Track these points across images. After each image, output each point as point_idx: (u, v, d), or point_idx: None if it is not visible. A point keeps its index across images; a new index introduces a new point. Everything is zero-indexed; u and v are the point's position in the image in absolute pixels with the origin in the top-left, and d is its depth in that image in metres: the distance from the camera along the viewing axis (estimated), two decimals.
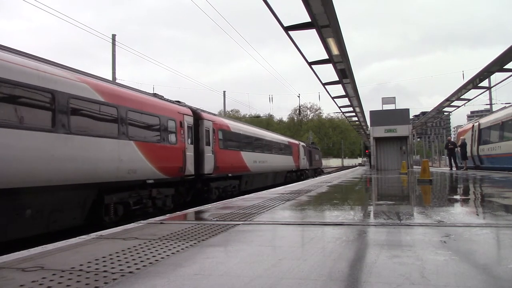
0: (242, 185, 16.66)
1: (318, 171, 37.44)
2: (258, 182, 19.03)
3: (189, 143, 12.16)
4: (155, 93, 11.87)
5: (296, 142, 29.28)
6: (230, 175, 15.09)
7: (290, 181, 22.72)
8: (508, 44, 11.73)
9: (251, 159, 17.64)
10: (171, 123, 11.19)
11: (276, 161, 22.31)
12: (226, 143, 15.13)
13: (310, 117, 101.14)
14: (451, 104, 22.88)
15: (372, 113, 26.09)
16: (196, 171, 12.48)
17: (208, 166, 13.11)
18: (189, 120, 12.36)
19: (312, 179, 20.10)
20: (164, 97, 11.98)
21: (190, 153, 12.06)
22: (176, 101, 12.72)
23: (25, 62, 6.69)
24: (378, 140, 25.63)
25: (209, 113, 14.72)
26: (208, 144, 13.29)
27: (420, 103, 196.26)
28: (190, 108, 13.16)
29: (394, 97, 26.88)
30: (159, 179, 10.24)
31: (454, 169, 21.38)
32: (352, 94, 17.51)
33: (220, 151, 14.32)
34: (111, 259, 2.67)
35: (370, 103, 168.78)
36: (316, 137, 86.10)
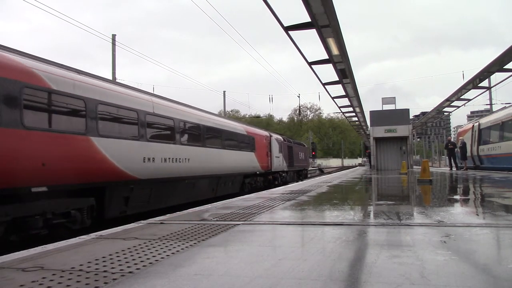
0: (111, 206, 8.16)
1: (303, 174, 28.52)
2: (168, 197, 10.28)
3: None
4: None
5: (265, 133, 19.90)
6: (38, 190, 6.47)
7: (251, 190, 15.10)
8: (499, 45, 11.77)
9: (138, 155, 8.82)
10: None
11: (217, 160, 13.23)
12: (14, 115, 6.21)
13: (310, 117, 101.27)
14: (451, 104, 22.89)
15: (372, 113, 26.10)
16: None
17: None
18: None
19: (312, 179, 19.54)
20: None
21: None
22: None
23: None
24: (378, 140, 25.64)
25: None
26: None
27: (417, 103, 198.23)
28: None
29: (394, 97, 26.92)
30: None
31: (454, 169, 21.39)
32: (352, 94, 17.51)
33: None
34: (111, 259, 2.67)
35: (367, 104, 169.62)
36: (316, 137, 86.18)
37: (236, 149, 15.22)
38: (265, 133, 19.98)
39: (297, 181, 21.80)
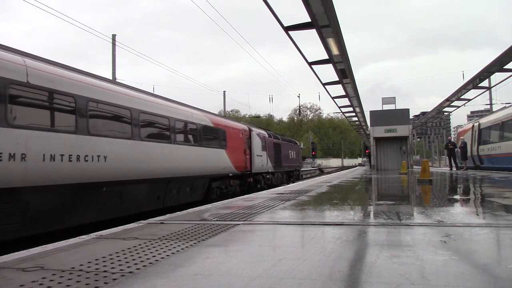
0: None
1: (295, 175, 24.92)
2: (69, 212, 7.19)
3: None
4: None
5: (242, 126, 16.55)
6: None
7: (221, 197, 12.79)
8: (496, 46, 11.81)
9: None
10: None
11: (162, 158, 9.91)
12: None
13: (310, 117, 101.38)
14: (451, 104, 22.92)
15: (372, 113, 26.12)
16: None
17: None
18: None
19: (312, 179, 19.09)
20: None
21: None
22: None
23: None
24: (378, 140, 25.65)
25: None
26: None
27: (416, 103, 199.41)
28: None
29: (394, 97, 26.96)
30: None
31: (454, 169, 21.39)
32: (352, 94, 17.53)
33: None
34: (111, 259, 2.67)
35: (366, 104, 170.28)
36: (316, 137, 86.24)
37: (195, 144, 11.84)
38: (242, 126, 16.57)
39: (287, 184, 19.15)
